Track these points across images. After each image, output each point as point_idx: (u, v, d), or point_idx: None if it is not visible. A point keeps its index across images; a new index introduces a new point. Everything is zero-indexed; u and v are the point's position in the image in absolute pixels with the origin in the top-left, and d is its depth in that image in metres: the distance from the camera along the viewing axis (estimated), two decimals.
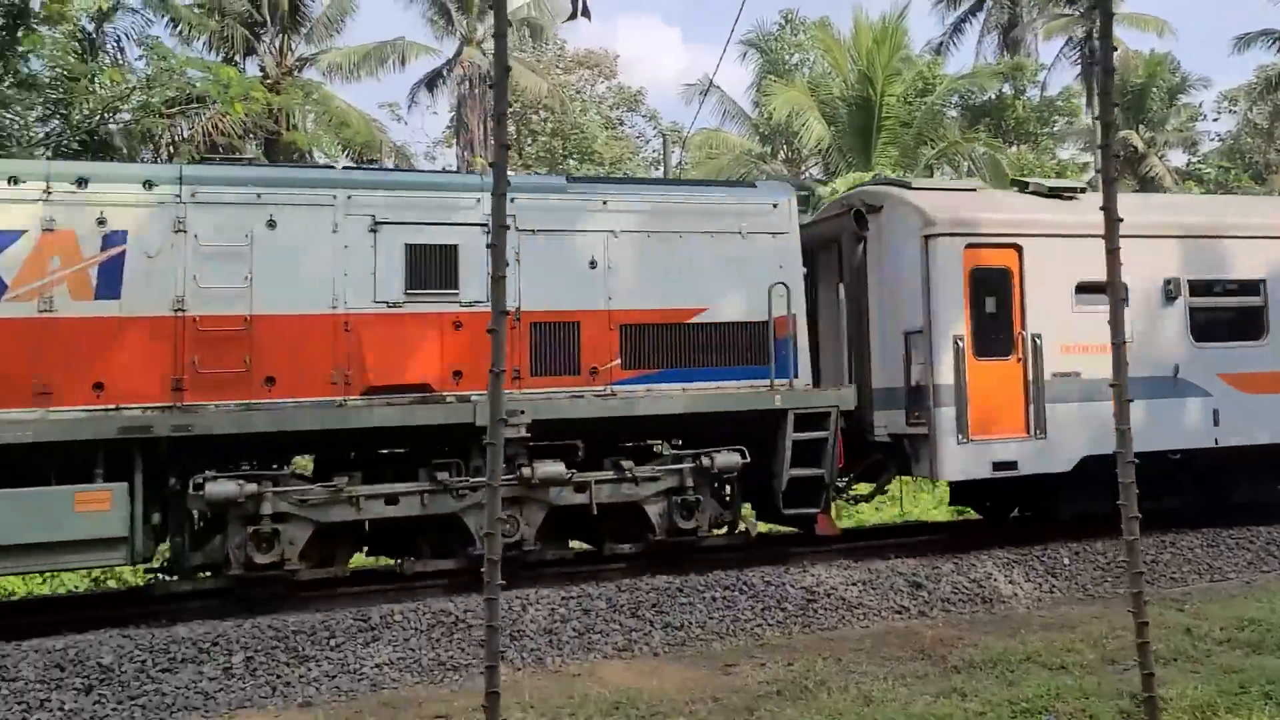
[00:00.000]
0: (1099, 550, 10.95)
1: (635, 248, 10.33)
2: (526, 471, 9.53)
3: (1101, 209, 5.37)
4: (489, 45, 33.52)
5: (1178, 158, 39.97)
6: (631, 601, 9.08)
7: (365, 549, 10.14)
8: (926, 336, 10.78)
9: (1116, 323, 5.06)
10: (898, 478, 12.59)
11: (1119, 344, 5.23)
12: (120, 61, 23.18)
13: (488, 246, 5.96)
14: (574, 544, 10.89)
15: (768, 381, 10.38)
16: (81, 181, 8.86)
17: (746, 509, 11.41)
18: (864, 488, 12.23)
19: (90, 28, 22.26)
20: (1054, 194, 11.91)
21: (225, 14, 26.43)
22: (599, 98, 40.57)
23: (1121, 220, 5.36)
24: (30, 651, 7.61)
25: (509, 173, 5.33)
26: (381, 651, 8.10)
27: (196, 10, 26.59)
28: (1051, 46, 38.19)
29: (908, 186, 11.93)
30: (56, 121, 21.66)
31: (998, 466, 10.82)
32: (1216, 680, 6.89)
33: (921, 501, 17.73)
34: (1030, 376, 10.91)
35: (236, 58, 27.14)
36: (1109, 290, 5.23)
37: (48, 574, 12.45)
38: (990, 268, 11.01)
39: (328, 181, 9.76)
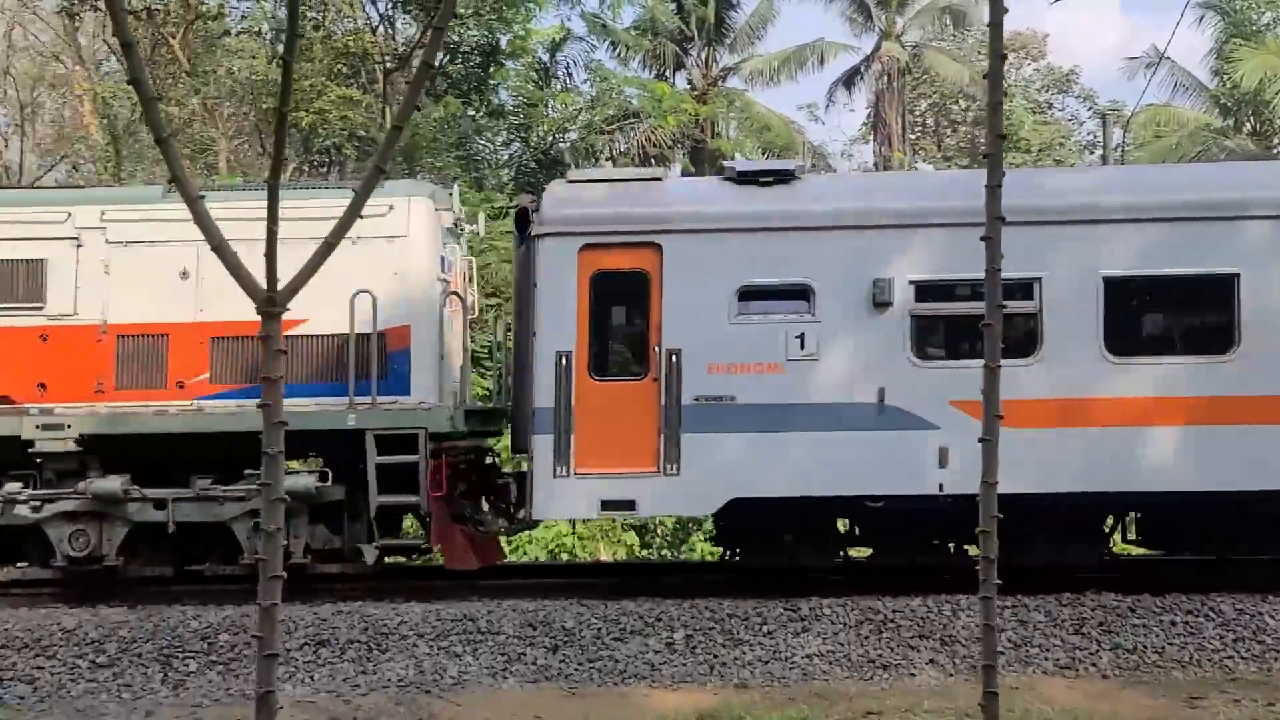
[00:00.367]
0: None
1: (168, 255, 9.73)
2: (81, 486, 9.30)
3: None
4: (908, 38, 32.90)
5: None
6: (1074, 617, 8.48)
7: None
8: (529, 352, 9.43)
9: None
10: None
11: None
12: (569, 86, 25.79)
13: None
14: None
15: (347, 400, 9.43)
16: None
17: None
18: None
19: (545, 58, 24.97)
20: (748, 179, 9.65)
21: (658, 33, 28.35)
22: (1025, 81, 38.27)
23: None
24: (509, 610, 8.68)
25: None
26: (811, 643, 8.26)
27: (632, 32, 28.84)
28: None
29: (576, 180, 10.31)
30: (518, 145, 24.60)
31: (608, 505, 9.28)
32: None
33: None
34: (665, 401, 9.10)
35: (666, 73, 29.04)
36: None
37: (514, 544, 14.07)
38: (619, 271, 9.42)
39: None
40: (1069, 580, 9.07)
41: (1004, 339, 8.66)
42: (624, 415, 9.21)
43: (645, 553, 15.28)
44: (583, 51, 26.25)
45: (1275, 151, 26.10)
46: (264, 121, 19.69)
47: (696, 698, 7.53)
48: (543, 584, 9.97)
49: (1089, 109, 36.19)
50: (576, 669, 8.03)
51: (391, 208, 9.83)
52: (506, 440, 11.24)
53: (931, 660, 8.09)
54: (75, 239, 9.90)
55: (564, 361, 9.19)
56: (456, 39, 21.58)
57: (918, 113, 37.16)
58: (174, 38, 20.62)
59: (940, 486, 8.96)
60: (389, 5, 22.36)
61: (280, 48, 20.69)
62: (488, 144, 24.27)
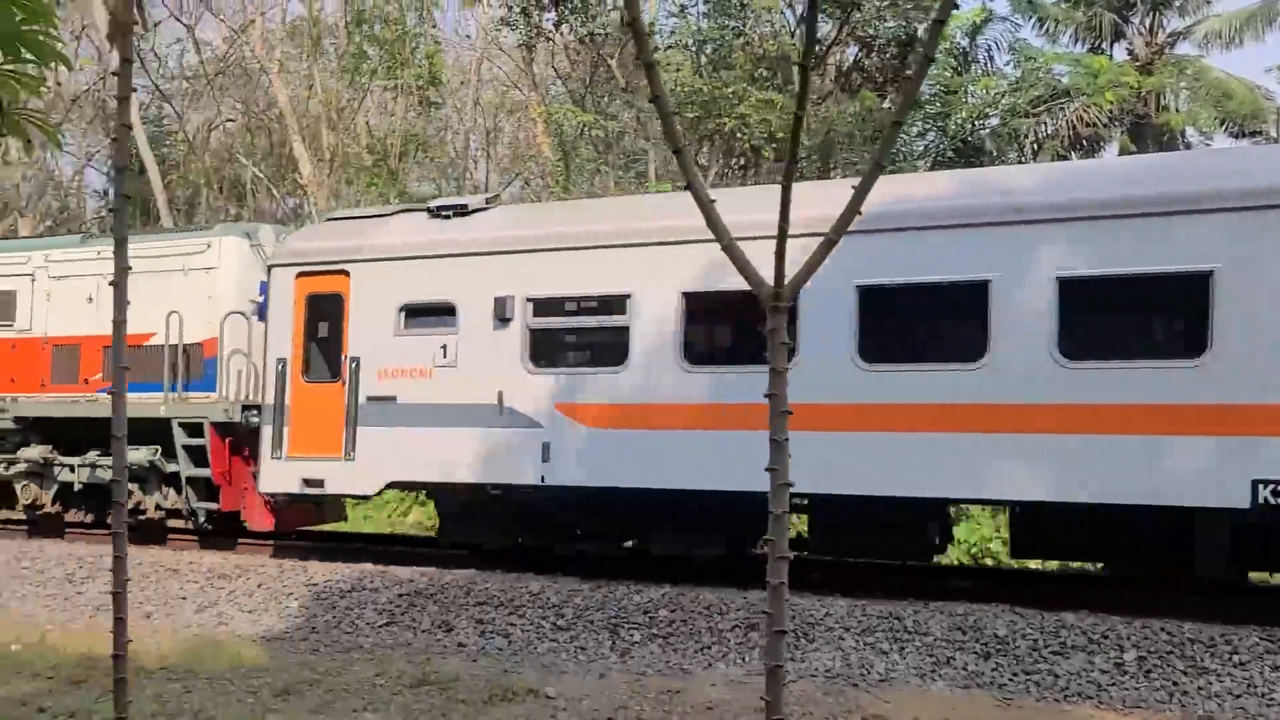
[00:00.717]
0: None
1: (87, 286, 13.24)
2: (20, 453, 13.34)
3: None
4: None
5: None
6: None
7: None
8: (261, 360, 11.77)
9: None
10: None
11: None
12: (990, 70, 24.54)
13: None
14: None
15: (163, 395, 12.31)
16: None
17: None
18: None
19: (964, 43, 23.96)
20: (437, 214, 11.33)
21: (1093, 3, 26.13)
22: None
23: None
24: (936, 613, 8.47)
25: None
26: None
27: (1063, 5, 26.82)
28: None
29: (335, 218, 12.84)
30: (934, 134, 23.84)
31: (307, 483, 11.19)
32: None
33: None
34: (349, 400, 10.96)
35: (1103, 45, 26.66)
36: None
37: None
38: (324, 294, 11.28)
39: None
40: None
41: (601, 350, 10.26)
42: (322, 411, 11.18)
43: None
44: (1005, 31, 24.90)
45: None
46: (689, 130, 20.79)
47: None
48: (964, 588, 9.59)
49: None
50: (1011, 679, 7.66)
51: (209, 245, 12.83)
52: None
53: None
54: (31, 275, 13.85)
55: (281, 367, 11.40)
56: (872, 31, 21.37)
57: None
58: (611, 58, 22.41)
59: (542, 478, 10.20)
60: (805, 6, 22.70)
61: (702, 58, 21.82)
62: (903, 135, 23.79)
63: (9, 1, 3.05)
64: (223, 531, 12.75)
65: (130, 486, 12.13)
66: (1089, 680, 7.50)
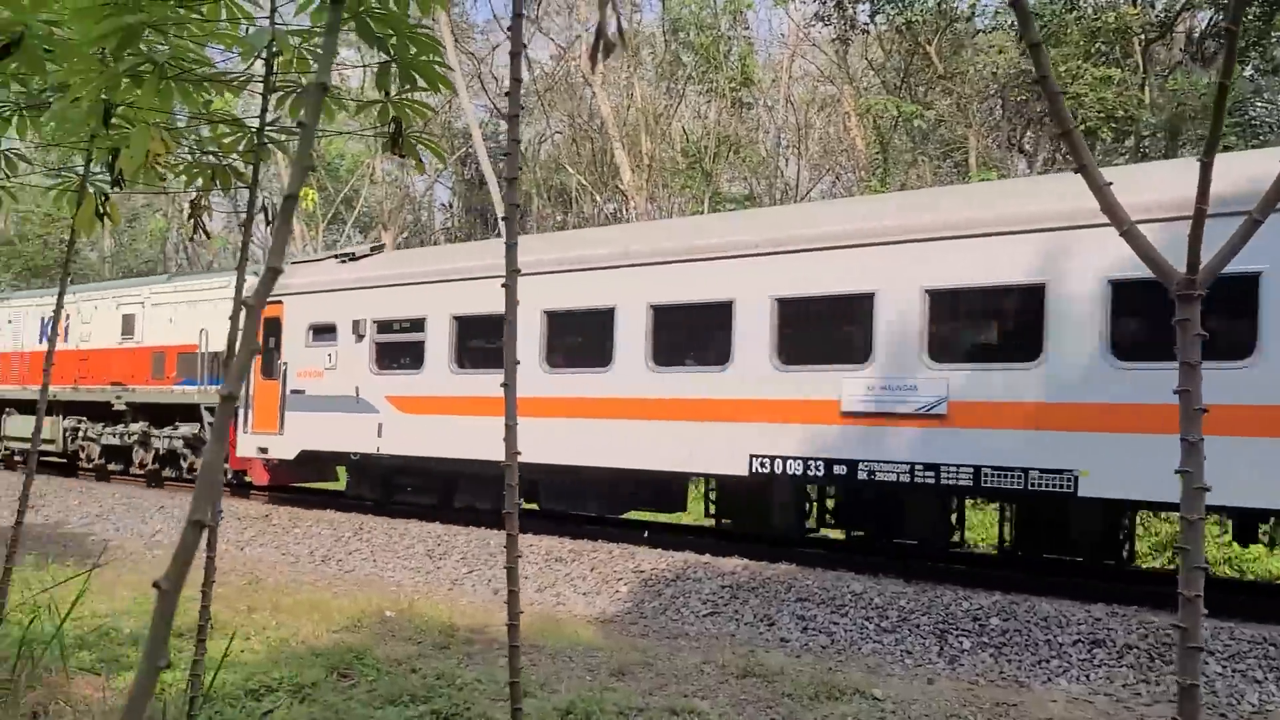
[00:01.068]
0: None
1: (168, 311, 19.11)
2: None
3: None
4: None
5: None
6: None
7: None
8: None
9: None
10: None
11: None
12: None
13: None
14: None
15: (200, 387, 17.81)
16: None
17: None
18: None
19: None
20: (339, 259, 16.20)
21: None
22: None
23: None
24: None
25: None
26: None
27: None
28: None
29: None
30: None
31: (260, 450, 15.89)
32: None
33: None
34: (283, 392, 15.43)
35: None
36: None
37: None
38: (271, 317, 15.54)
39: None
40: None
41: (408, 357, 14.50)
42: (269, 400, 15.65)
43: None
44: None
45: None
46: (1015, 114, 19.69)
47: None
48: None
49: None
50: None
51: (228, 283, 16.56)
52: None
53: None
54: (141, 303, 19.65)
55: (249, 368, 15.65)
56: None
57: None
58: (929, 44, 21.67)
59: (378, 448, 14.16)
60: None
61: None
62: (1267, 105, 21.21)
63: (409, 37, 3.42)
64: (239, 484, 17.88)
65: (185, 451, 18.53)
66: None
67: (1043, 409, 9.07)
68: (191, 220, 4.12)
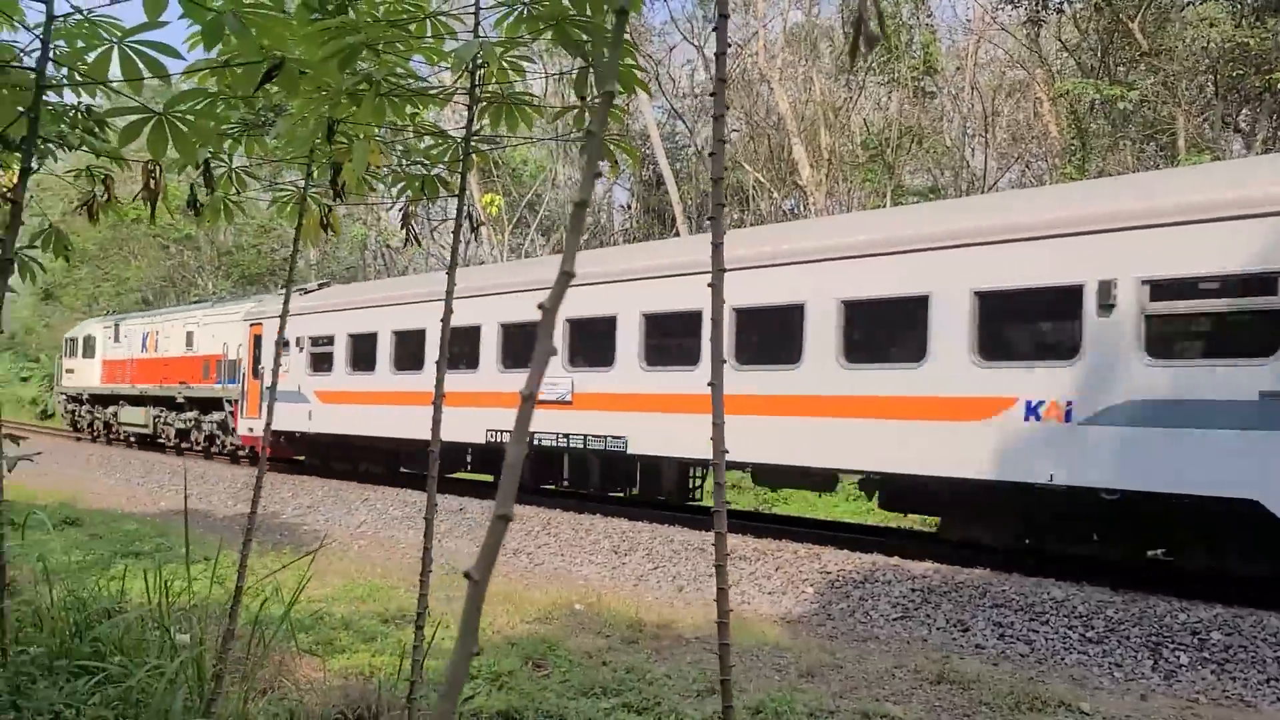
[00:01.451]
0: None
1: (213, 329, 26.62)
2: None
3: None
4: None
5: None
6: None
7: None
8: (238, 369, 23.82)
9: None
10: None
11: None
12: None
13: None
14: None
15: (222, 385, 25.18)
16: None
17: None
18: None
19: None
20: (304, 291, 22.17)
21: None
22: None
23: None
24: None
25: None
26: None
27: None
28: None
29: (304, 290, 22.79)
30: None
31: (249, 430, 22.21)
32: None
33: None
34: (264, 387, 21.02)
35: None
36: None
37: None
38: (256, 334, 22.17)
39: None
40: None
41: (328, 362, 22.93)
42: (255, 394, 21.88)
43: None
44: None
45: None
46: (1230, 91, 18.24)
47: None
48: None
49: None
50: None
51: (240, 311, 24.55)
52: None
53: None
54: (198, 323, 27.37)
55: (242, 370, 22.87)
56: None
57: None
58: (1130, 20, 20.39)
59: (310, 429, 20.34)
60: None
61: (1244, 6, 18.95)
62: None
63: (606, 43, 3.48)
64: (249, 457, 24.51)
65: (218, 432, 25.84)
66: None
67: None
68: (404, 229, 4.33)
